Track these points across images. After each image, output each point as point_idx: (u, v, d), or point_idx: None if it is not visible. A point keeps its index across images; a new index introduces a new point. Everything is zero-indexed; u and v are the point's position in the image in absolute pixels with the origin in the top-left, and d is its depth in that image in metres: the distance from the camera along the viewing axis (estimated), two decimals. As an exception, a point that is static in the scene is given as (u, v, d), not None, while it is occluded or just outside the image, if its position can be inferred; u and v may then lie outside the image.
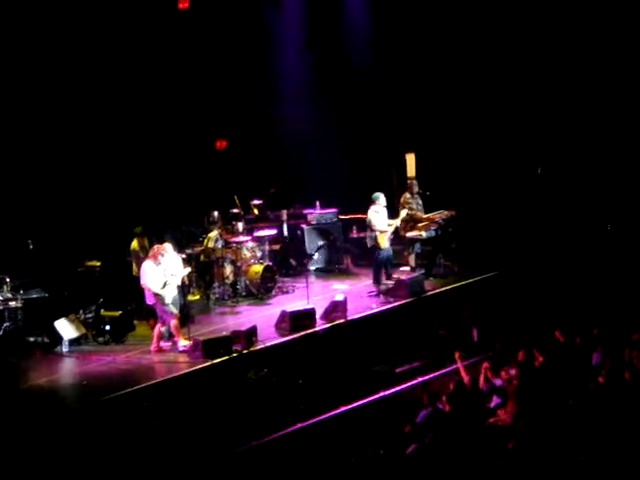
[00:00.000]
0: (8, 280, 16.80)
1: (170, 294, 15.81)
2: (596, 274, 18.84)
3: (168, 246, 16.21)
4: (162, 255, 15.89)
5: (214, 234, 18.78)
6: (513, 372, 13.17)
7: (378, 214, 18.52)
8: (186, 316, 16.51)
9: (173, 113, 21.32)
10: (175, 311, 15.84)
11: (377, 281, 18.70)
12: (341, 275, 20.09)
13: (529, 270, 19.32)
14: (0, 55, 18.56)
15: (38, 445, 12.63)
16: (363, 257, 20.43)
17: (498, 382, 13.25)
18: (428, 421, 12.07)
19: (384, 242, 18.48)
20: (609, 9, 20.92)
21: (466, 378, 13.60)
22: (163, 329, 16.02)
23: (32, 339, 16.46)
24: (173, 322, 15.77)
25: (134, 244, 17.64)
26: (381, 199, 18.61)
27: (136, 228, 17.83)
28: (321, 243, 20.35)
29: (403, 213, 18.78)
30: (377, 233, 18.47)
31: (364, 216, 18.86)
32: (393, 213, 19.29)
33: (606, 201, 20.98)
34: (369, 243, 18.78)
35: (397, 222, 18.66)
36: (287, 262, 20.49)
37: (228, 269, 18.73)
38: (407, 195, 19.45)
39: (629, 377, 12.50)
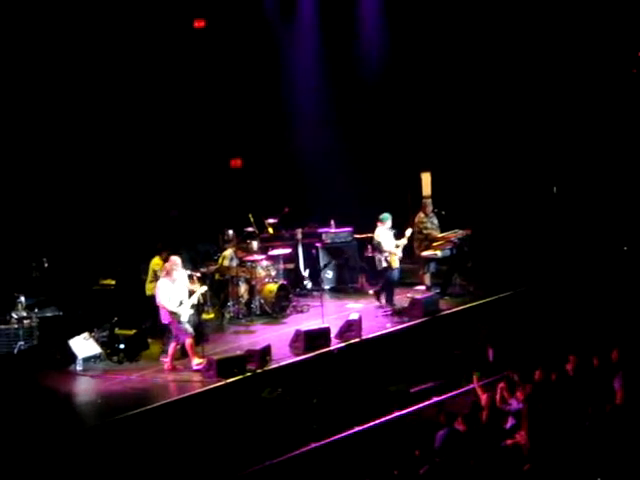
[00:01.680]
0: (23, 299, 16.83)
1: (186, 312, 15.78)
2: (612, 294, 18.75)
3: (178, 260, 16.09)
4: (175, 269, 15.84)
5: (229, 252, 18.77)
6: (528, 391, 13.10)
7: (386, 235, 18.56)
8: (200, 335, 16.47)
9: (188, 132, 21.39)
10: (190, 330, 15.79)
11: (389, 301, 18.71)
12: (356, 294, 20.04)
13: (545, 290, 19.25)
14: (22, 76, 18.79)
15: (52, 464, 12.60)
16: (378, 276, 20.38)
17: (514, 404, 13.15)
18: (445, 442, 11.99)
19: (396, 262, 18.53)
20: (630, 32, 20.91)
21: (483, 398, 13.51)
22: (177, 346, 15.97)
23: (46, 358, 16.45)
24: (188, 341, 15.73)
25: (157, 262, 17.27)
26: (389, 221, 18.66)
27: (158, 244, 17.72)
28: (328, 262, 20.41)
29: (408, 232, 18.74)
30: (388, 254, 18.49)
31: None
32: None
33: (623, 221, 20.90)
34: (379, 265, 18.80)
35: (404, 242, 18.65)
36: (301, 282, 20.50)
37: (242, 288, 18.72)
38: (421, 215, 19.46)
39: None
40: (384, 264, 18.60)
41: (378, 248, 18.69)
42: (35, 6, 18.80)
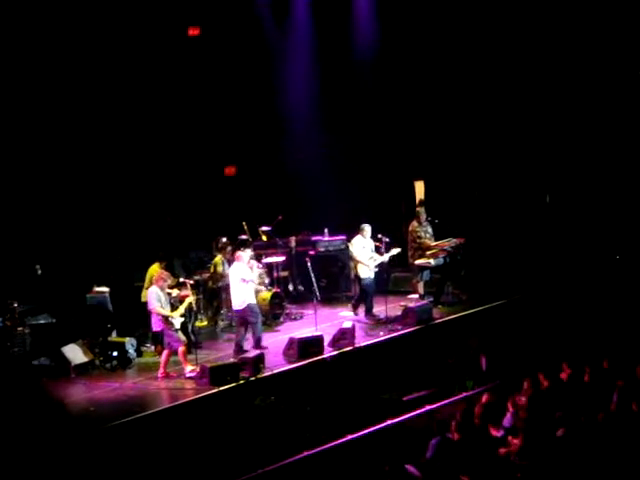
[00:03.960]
0: (16, 305, 16.80)
1: (179, 320, 15.79)
2: (604, 303, 18.78)
3: (246, 254, 16.95)
4: (165, 280, 15.95)
5: (219, 258, 18.71)
6: (522, 401, 13.05)
7: (358, 245, 18.62)
8: (193, 343, 16.47)
9: (182, 139, 21.39)
10: (183, 338, 15.82)
11: (368, 311, 18.77)
12: (349, 302, 20.02)
13: (538, 298, 19.27)
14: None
15: (44, 471, 12.58)
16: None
17: (506, 421, 13.06)
18: (438, 450, 11.97)
19: (364, 272, 18.54)
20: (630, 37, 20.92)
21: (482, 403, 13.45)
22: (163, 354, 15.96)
23: (39, 365, 16.43)
24: (181, 349, 15.74)
25: (155, 269, 17.13)
26: (365, 231, 18.66)
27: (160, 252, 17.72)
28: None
29: (395, 251, 18.73)
30: (357, 263, 18.57)
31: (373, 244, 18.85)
32: (400, 240, 19.37)
33: (615, 230, 20.94)
34: (352, 273, 18.83)
35: (383, 259, 18.65)
36: (295, 290, 20.54)
37: (236, 295, 18.68)
38: (415, 223, 19.42)
39: (637, 408, 12.44)
40: (354, 273, 18.76)
41: (350, 256, 18.86)
42: (31, 14, 18.80)
